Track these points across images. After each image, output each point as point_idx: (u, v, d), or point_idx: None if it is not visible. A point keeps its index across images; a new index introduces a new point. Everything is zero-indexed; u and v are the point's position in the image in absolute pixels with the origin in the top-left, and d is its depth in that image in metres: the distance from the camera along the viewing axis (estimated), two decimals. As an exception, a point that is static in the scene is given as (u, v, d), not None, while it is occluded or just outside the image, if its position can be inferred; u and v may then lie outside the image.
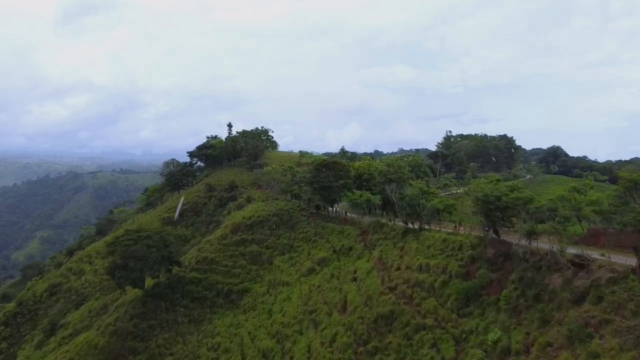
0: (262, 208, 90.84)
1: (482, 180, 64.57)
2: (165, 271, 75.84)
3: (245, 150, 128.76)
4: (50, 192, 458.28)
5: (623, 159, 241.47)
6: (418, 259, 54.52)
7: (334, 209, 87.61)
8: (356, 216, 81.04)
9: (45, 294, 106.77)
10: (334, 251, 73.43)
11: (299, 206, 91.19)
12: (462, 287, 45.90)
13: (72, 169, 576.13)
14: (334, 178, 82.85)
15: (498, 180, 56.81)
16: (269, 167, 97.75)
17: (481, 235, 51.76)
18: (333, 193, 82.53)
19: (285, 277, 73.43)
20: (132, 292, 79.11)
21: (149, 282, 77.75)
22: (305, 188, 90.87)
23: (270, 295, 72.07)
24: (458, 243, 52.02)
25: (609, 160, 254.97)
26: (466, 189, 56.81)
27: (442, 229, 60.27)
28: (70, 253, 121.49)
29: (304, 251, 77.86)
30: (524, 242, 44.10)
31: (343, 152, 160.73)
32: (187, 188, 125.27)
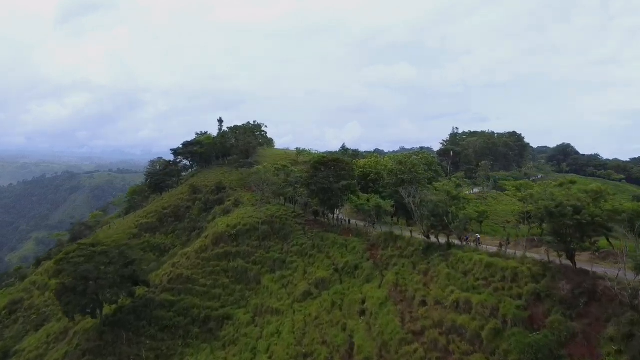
0: (250, 214, 75.12)
1: (542, 181, 48.86)
2: (127, 295, 60.18)
3: (236, 148, 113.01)
4: (46, 192, 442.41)
5: (630, 158, 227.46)
6: (452, 292, 38.85)
7: (335, 215, 71.92)
8: (362, 224, 65.47)
9: (4, 312, 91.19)
10: (336, 270, 57.81)
11: (293, 212, 75.49)
12: (527, 342, 30.26)
13: (70, 168, 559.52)
14: (335, 179, 67.25)
15: (571, 183, 41.10)
16: (259, 166, 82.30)
17: (544, 259, 36.10)
18: (334, 197, 66.87)
19: (274, 303, 57.75)
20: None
21: (107, 309, 61.92)
22: (302, 190, 75.30)
23: (256, 326, 56.44)
24: (511, 271, 36.33)
25: (616, 159, 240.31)
26: (525, 194, 41.21)
27: (480, 246, 44.59)
28: (38, 263, 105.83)
29: (299, 269, 62.22)
30: (628, 276, 28.49)
31: (344, 149, 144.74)
32: (169, 190, 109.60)
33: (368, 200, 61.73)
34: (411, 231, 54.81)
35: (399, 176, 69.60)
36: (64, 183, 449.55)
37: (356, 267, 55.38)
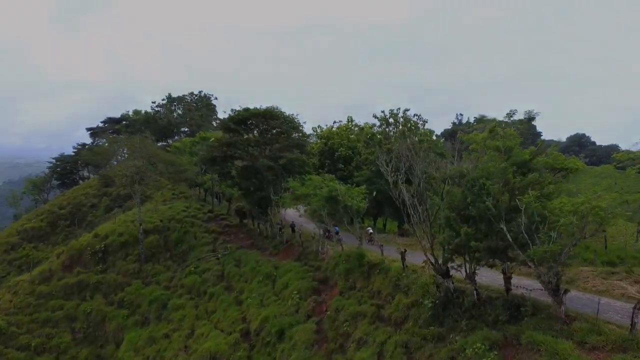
0: (134, 218, 43.58)
1: None
2: None
3: (174, 125, 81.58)
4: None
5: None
6: None
7: (280, 213, 40.00)
8: (320, 232, 33.43)
9: None
10: (245, 334, 26.34)
11: (209, 212, 43.90)
12: None
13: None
14: (272, 152, 35.76)
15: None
16: (176, 142, 51.39)
17: None
18: (265, 184, 35.16)
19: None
20: None
21: None
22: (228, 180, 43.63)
23: None
24: None
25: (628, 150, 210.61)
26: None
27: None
28: None
29: (185, 322, 30.64)
30: None
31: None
32: (81, 182, 78.44)
33: (315, 188, 29.87)
34: (403, 252, 22.98)
35: (386, 146, 38.33)
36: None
37: (282, 334, 23.84)
